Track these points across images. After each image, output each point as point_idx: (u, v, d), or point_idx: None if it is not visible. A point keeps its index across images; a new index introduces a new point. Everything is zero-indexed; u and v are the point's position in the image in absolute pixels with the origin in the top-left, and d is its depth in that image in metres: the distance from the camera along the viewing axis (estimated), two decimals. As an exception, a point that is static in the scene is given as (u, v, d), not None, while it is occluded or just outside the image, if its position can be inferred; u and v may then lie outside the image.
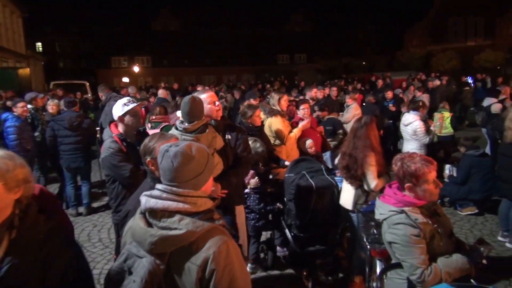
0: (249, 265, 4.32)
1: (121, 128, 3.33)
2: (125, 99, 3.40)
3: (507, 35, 32.84)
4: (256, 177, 4.21)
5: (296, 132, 5.14)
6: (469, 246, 2.37)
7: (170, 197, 1.50)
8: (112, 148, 3.19)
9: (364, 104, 9.66)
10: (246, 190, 4.17)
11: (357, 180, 3.58)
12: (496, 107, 7.76)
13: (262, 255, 4.57)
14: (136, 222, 1.54)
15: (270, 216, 4.33)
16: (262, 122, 5.01)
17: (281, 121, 5.11)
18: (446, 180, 6.38)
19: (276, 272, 4.39)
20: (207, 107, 3.24)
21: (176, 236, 1.42)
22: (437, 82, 11.88)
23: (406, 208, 2.21)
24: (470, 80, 17.45)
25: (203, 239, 1.45)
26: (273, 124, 5.12)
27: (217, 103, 3.35)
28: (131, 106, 3.32)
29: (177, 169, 1.51)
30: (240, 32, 49.14)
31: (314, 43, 50.85)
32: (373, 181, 3.50)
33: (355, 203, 3.65)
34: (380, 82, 13.81)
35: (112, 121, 3.46)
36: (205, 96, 3.29)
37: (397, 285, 2.29)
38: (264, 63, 45.70)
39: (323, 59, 45.38)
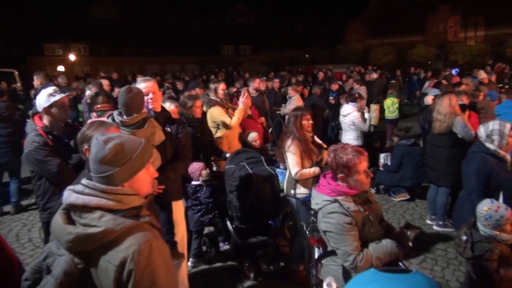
0: (190, 259, 4.26)
1: (46, 120, 3.09)
2: (50, 89, 3.15)
3: (437, 32, 35.14)
4: (208, 169, 4.16)
5: (237, 115, 4.99)
6: (397, 230, 2.49)
7: (92, 193, 1.41)
8: (37, 142, 2.96)
9: (310, 95, 9.86)
10: (197, 182, 4.09)
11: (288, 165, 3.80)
12: (428, 99, 8.27)
13: (204, 248, 4.53)
14: (55, 219, 1.43)
15: (216, 211, 4.28)
16: (204, 113, 4.92)
17: (220, 110, 5.03)
18: (381, 168, 6.72)
19: (218, 264, 4.37)
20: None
21: (93, 234, 1.33)
22: (374, 75, 12.44)
23: (339, 197, 2.27)
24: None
25: (123, 238, 1.36)
26: (213, 114, 5.04)
27: (150, 95, 3.18)
28: (58, 96, 3.09)
29: (93, 160, 1.42)
30: (183, 21, 47.99)
31: (259, 35, 51.01)
32: (294, 168, 3.67)
33: (288, 188, 3.81)
34: (321, 75, 14.18)
35: (36, 112, 3.20)
36: (143, 87, 3.14)
37: (332, 271, 2.36)
38: (208, 53, 45.10)
39: (267, 51, 45.76)
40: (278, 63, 38.73)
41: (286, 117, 7.46)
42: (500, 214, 2.72)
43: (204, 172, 4.07)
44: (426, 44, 33.42)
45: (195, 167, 4.05)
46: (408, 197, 6.28)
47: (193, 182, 4.08)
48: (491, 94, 6.77)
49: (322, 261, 2.48)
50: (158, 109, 3.28)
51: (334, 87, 10.29)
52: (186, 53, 44.79)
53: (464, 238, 2.85)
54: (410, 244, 2.36)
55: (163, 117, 3.28)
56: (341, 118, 6.74)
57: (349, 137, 6.57)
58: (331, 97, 9.65)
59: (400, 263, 2.36)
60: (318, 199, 2.34)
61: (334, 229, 2.21)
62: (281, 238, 4.48)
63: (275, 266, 4.20)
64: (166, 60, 43.13)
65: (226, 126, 5.02)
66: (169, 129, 3.25)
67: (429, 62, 31.28)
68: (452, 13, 33.86)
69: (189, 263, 4.22)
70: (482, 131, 3.38)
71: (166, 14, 48.95)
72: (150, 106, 3.18)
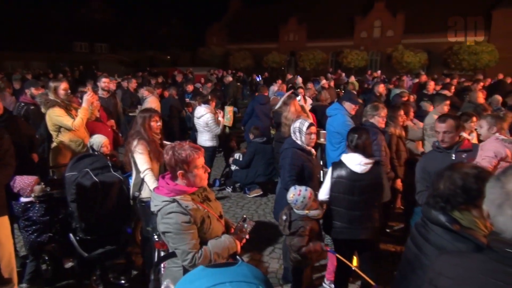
0: (24, 285, 3.74)
1: None
2: None
3: (288, 41, 38.65)
4: (42, 183, 3.62)
5: (81, 115, 4.59)
6: (234, 225, 2.61)
7: None
8: None
9: (166, 97, 9.68)
10: (27, 200, 3.53)
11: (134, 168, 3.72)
12: (275, 100, 9.00)
13: (44, 267, 4.02)
14: None
15: (57, 225, 3.80)
16: (7, 110, 4.33)
17: (60, 111, 4.55)
18: (231, 165, 7.06)
19: (63, 283, 3.94)
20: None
21: None
22: (230, 79, 12.97)
23: (177, 197, 2.26)
24: (258, 79, 19.76)
25: None
26: (51, 115, 4.54)
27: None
28: None
29: None
30: (28, 12, 42.20)
31: (116, 33, 48.20)
32: (143, 166, 3.62)
33: (133, 192, 3.72)
34: (180, 77, 14.15)
35: None
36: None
37: (174, 273, 2.33)
38: (58, 50, 40.65)
39: (126, 51, 43.63)
40: (138, 64, 37.25)
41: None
42: (302, 196, 3.14)
43: (37, 188, 3.54)
44: (279, 52, 36.35)
45: (26, 182, 3.51)
46: (261, 192, 6.71)
47: (22, 199, 3.52)
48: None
49: (165, 264, 2.44)
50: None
51: (189, 88, 10.38)
52: (30, 48, 39.43)
53: (284, 217, 3.21)
54: (247, 236, 2.51)
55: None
56: (195, 120, 6.80)
57: (204, 138, 6.68)
58: (187, 99, 9.69)
59: (238, 257, 2.47)
60: (157, 200, 2.30)
61: (172, 229, 2.20)
62: (134, 245, 4.29)
63: (127, 276, 3.99)
64: (4, 55, 37.14)
65: (68, 128, 4.57)
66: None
67: (283, 68, 34.09)
68: (300, 25, 37.70)
69: (22, 288, 3.70)
70: (291, 129, 3.82)
71: (4, 3, 42.26)
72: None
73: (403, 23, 32.27)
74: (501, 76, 14.44)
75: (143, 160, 3.59)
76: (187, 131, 9.11)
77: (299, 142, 3.71)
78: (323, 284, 3.99)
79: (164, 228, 2.23)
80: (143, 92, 7.69)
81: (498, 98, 8.17)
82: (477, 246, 1.52)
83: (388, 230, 5.27)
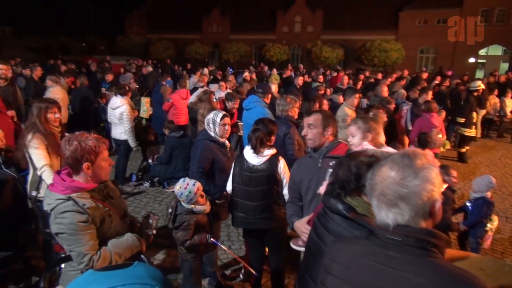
0: None
1: None
2: None
3: (211, 32, 38.22)
4: None
5: None
6: (139, 223, 2.48)
7: None
8: None
9: (78, 86, 9.00)
10: None
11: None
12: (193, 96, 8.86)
13: None
14: None
15: None
16: None
17: None
18: (149, 161, 6.80)
19: None
20: None
21: None
22: (150, 69, 12.47)
23: (74, 195, 2.07)
24: (231, 71, 19.11)
25: None
26: None
27: None
28: None
29: None
30: None
31: (22, 16, 43.72)
32: (40, 162, 3.34)
33: (30, 191, 3.41)
34: (94, 66, 13.26)
35: None
36: None
37: (71, 277, 2.14)
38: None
39: (35, 36, 39.80)
40: (48, 50, 34.20)
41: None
42: (188, 190, 3.07)
43: None
44: (202, 43, 35.84)
45: None
46: (181, 187, 6.53)
47: None
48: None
49: (62, 269, 2.23)
50: None
51: (109, 78, 9.80)
52: None
53: (169, 210, 3.16)
54: (154, 232, 2.41)
55: None
56: (110, 111, 6.41)
57: (119, 131, 6.34)
58: (103, 88, 9.12)
59: (143, 256, 2.35)
60: (51, 198, 2.08)
61: (66, 230, 2.01)
62: (36, 249, 3.91)
63: (27, 283, 3.64)
64: None
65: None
66: None
67: (206, 60, 33.69)
68: (223, 17, 37.52)
69: None
70: (205, 120, 3.76)
71: None
72: None
73: (321, 19, 33.75)
74: (406, 73, 15.75)
75: (40, 155, 3.28)
76: (100, 124, 8.58)
77: (212, 133, 3.66)
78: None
79: (57, 229, 2.04)
80: (47, 81, 7.04)
81: (403, 92, 8.89)
82: (371, 232, 1.58)
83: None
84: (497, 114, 10.98)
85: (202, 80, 9.10)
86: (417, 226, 1.16)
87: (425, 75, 13.37)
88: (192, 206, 3.08)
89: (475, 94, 8.92)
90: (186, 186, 3.06)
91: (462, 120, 8.84)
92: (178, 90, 7.95)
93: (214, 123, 3.63)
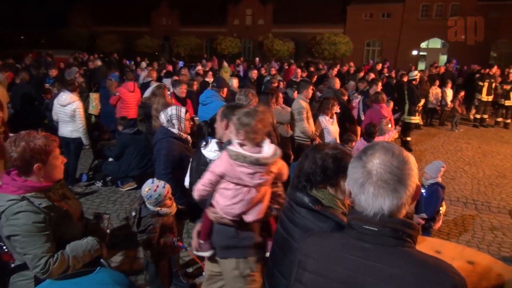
0: None
1: None
2: None
3: (161, 25, 37.23)
4: None
5: None
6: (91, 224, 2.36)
7: None
8: None
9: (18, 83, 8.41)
10: None
11: None
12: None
13: None
14: None
15: None
16: None
17: None
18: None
19: None
20: None
21: None
22: (98, 63, 11.92)
23: (28, 195, 1.93)
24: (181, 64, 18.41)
25: None
26: None
27: None
28: None
29: None
30: None
31: None
32: None
33: None
34: (28, 59, 12.44)
35: None
36: None
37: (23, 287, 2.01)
38: None
39: (-36, 28, 36.66)
40: (-19, 44, 31.63)
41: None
42: (158, 192, 2.99)
43: None
44: (152, 36, 34.85)
45: None
46: (135, 185, 6.32)
47: None
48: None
49: (10, 279, 2.08)
50: None
51: (53, 73, 9.27)
52: None
53: (133, 213, 3.06)
54: (108, 231, 2.33)
55: None
56: (58, 109, 6.04)
57: (70, 129, 6.02)
58: (47, 84, 8.60)
59: (102, 260, 2.25)
60: (1, 200, 1.93)
61: (20, 231, 1.88)
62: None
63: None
64: None
65: None
66: None
67: (156, 53, 32.79)
68: (172, 9, 36.67)
69: None
70: (163, 117, 3.60)
71: None
72: None
73: (272, 12, 34.00)
74: (352, 65, 16.28)
75: None
76: (43, 121, 8.07)
77: (175, 130, 3.54)
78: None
79: (9, 231, 1.89)
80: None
81: (353, 84, 9.20)
82: (337, 224, 1.61)
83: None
84: (439, 104, 11.66)
85: (151, 75, 8.83)
86: (402, 212, 1.19)
87: (378, 67, 13.99)
88: (158, 208, 2.98)
89: (414, 83, 9.44)
90: (155, 189, 2.95)
91: (406, 108, 9.30)
92: (125, 83, 7.69)
93: (179, 119, 3.52)
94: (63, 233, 2.03)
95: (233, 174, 2.17)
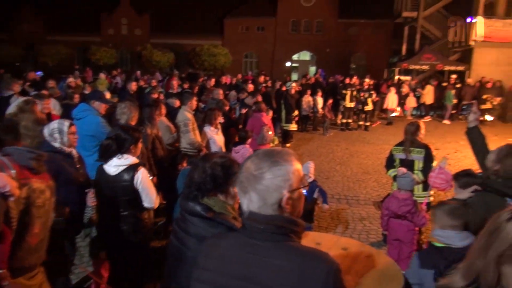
0: None
1: None
2: None
3: (23, 32, 33.26)
4: None
5: None
6: None
7: None
8: None
9: None
10: None
11: None
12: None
13: None
14: None
15: None
16: None
17: None
18: None
19: None
20: None
21: None
22: None
23: None
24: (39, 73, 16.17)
25: None
26: None
27: None
28: None
29: None
30: None
31: None
32: None
33: None
34: None
35: None
36: None
37: None
38: None
39: None
40: None
41: None
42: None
43: None
44: (12, 44, 30.97)
45: None
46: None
47: None
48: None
49: None
50: None
51: None
52: None
53: None
54: None
55: None
56: None
57: None
58: None
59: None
60: None
61: None
62: None
63: None
64: None
65: None
66: None
67: (17, 64, 29.19)
68: (36, 15, 33.21)
69: None
70: (45, 131, 3.35)
71: None
72: None
73: (149, 22, 33.28)
74: (239, 77, 16.87)
75: None
76: None
77: (57, 144, 3.31)
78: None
79: None
80: None
81: (234, 93, 9.59)
82: (228, 228, 1.70)
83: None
84: (311, 111, 12.83)
85: (12, 88, 7.85)
86: (266, 214, 1.28)
87: (261, 79, 14.90)
88: None
89: (291, 93, 10.31)
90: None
91: (284, 117, 10.07)
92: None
93: (61, 132, 3.30)
94: None
95: None
